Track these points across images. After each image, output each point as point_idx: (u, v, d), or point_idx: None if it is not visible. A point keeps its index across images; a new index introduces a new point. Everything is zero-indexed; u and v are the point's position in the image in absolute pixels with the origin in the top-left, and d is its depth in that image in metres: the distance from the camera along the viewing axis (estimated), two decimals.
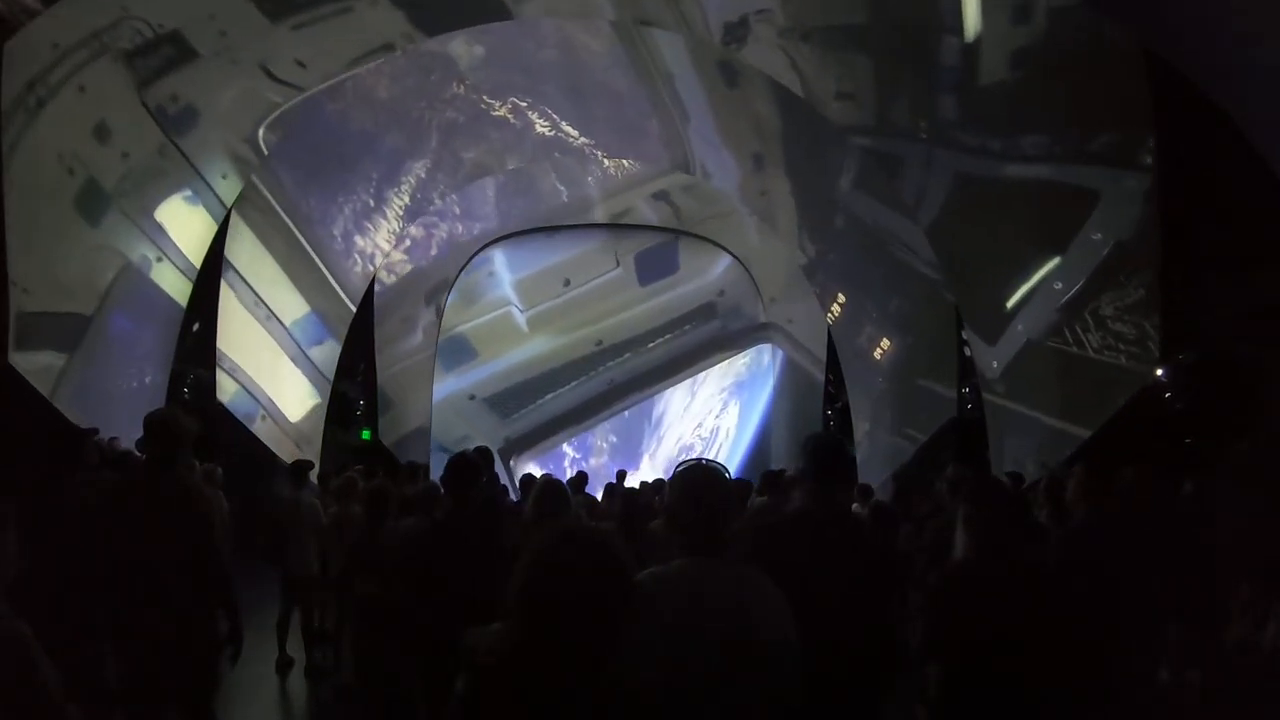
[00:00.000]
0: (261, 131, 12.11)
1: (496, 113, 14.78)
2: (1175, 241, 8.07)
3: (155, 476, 4.01)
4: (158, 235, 11.38)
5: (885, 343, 15.45)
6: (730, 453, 20.83)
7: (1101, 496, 4.41)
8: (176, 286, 12.05)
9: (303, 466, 8.27)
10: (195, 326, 12.37)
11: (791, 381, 20.13)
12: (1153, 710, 3.92)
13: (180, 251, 11.94)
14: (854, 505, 7.77)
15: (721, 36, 11.89)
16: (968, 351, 12.21)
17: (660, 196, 18.88)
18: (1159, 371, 8.48)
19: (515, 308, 20.11)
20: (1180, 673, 3.95)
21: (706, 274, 20.73)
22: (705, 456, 2.59)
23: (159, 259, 11.52)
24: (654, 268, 20.44)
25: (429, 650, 4.06)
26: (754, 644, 2.24)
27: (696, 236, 20.21)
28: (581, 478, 10.32)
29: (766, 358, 20.93)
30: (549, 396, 20.91)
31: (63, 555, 3.82)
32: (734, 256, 20.27)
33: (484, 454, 6.87)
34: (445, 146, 15.22)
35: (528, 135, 15.50)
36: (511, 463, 20.22)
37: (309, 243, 14.59)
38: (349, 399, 16.41)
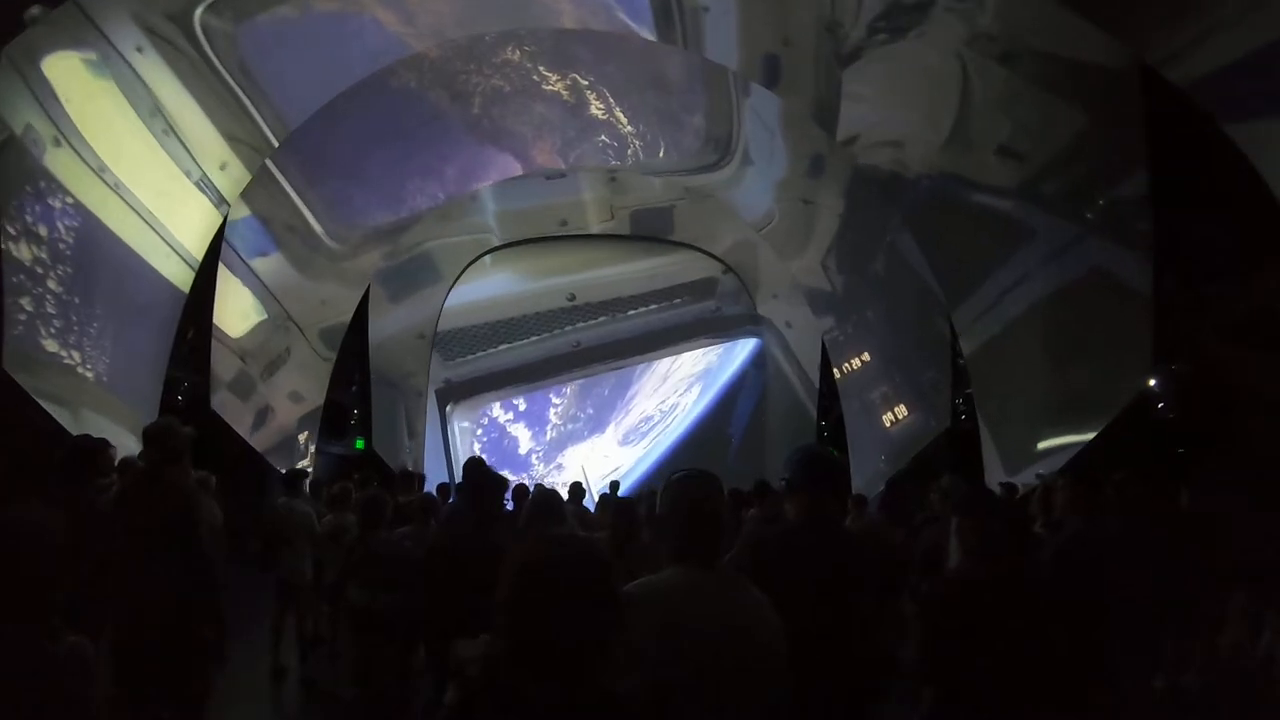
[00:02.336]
0: (199, 12, 9.83)
1: (550, 87, 13.66)
2: (1167, 250, 8.11)
3: (152, 483, 4.06)
4: (50, 104, 8.84)
5: (901, 411, 14.27)
6: (678, 427, 19.90)
7: (1093, 505, 4.43)
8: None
9: (297, 475, 8.32)
10: (190, 334, 12.26)
11: (774, 383, 19.15)
12: (1149, 716, 3.93)
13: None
14: (849, 516, 7.80)
15: (876, 17, 9.39)
16: (961, 361, 12.18)
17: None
18: (1152, 381, 8.51)
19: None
20: (1176, 679, 3.96)
21: (711, 244, 18.75)
22: (698, 469, 2.58)
23: (56, 142, 8.92)
24: (651, 228, 18.46)
25: (425, 657, 4.08)
26: (746, 653, 2.25)
27: (690, 247, 18.96)
28: (577, 489, 10.35)
29: (738, 349, 19.77)
30: (502, 347, 19.21)
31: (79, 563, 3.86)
32: (723, 263, 19.11)
33: (478, 463, 6.87)
34: (485, 116, 14.14)
35: (580, 114, 14.32)
36: (448, 408, 19.14)
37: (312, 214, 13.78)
38: (343, 408, 16.36)
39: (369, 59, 11.84)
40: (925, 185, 11.12)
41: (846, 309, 15.68)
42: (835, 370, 16.29)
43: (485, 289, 18.59)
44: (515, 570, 1.65)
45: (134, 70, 9.71)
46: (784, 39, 11.03)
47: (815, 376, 17.43)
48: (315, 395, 15.45)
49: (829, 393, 16.96)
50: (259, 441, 13.22)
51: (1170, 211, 7.99)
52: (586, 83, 13.58)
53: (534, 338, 19.29)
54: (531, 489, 8.75)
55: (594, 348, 19.68)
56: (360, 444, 16.78)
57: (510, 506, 8.11)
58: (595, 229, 18.38)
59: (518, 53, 12.87)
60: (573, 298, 19.19)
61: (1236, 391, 7.57)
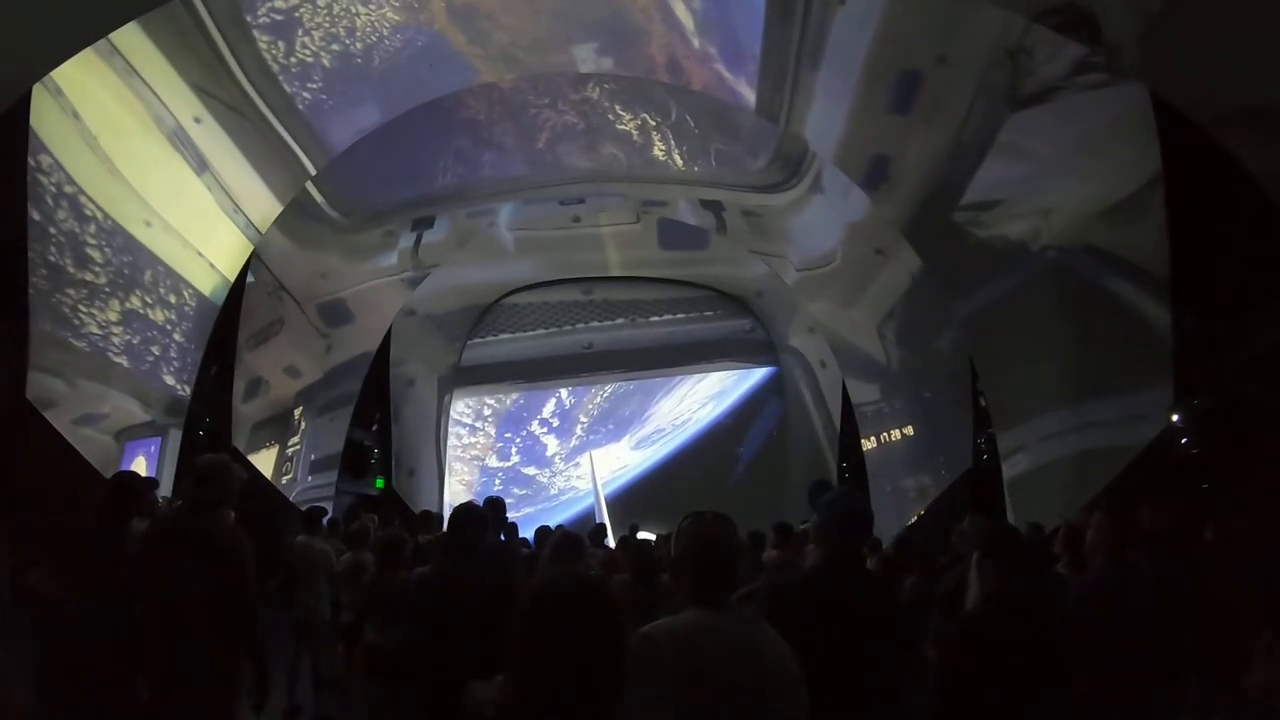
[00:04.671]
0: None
1: (623, 126, 13.10)
2: (1187, 285, 8.06)
3: (202, 521, 3.98)
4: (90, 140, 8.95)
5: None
6: (686, 435, 19.09)
7: (1118, 542, 4.37)
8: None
9: (315, 513, 8.34)
10: (213, 370, 12.19)
11: (794, 416, 18.28)
12: None
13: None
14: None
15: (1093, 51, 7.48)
16: (983, 401, 12.04)
17: (710, 206, 15.01)
18: (1174, 417, 8.42)
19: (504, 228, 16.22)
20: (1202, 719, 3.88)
21: (748, 266, 16.65)
22: (713, 510, 2.59)
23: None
24: (679, 238, 16.39)
25: (438, 700, 4.05)
26: (764, 694, 2.24)
27: (714, 289, 18.03)
28: (600, 530, 10.28)
29: (753, 376, 18.91)
30: (503, 336, 18.12)
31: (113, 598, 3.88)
32: (752, 314, 18.22)
33: (495, 504, 6.88)
34: (549, 151, 13.59)
35: (644, 154, 13.76)
36: (446, 399, 18.33)
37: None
38: (364, 447, 16.38)
39: (432, 84, 11.54)
40: (1050, 256, 9.32)
41: (899, 385, 14.35)
42: (866, 440, 15.28)
43: (491, 272, 17.05)
44: (524, 611, 1.65)
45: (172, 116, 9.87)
46: (939, 56, 8.95)
47: (839, 421, 16.63)
48: (313, 371, 14.84)
49: (852, 437, 16.16)
50: (251, 413, 12.88)
51: (1188, 247, 7.95)
52: (654, 123, 13.11)
53: (540, 331, 18.22)
54: (553, 527, 8.79)
55: (607, 353, 18.39)
56: (380, 483, 16.78)
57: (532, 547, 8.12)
58: (609, 230, 16.39)
59: (597, 90, 12.52)
60: (588, 291, 17.93)
61: (1261, 425, 7.48)
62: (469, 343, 18.28)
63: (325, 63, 10.61)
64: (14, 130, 8.14)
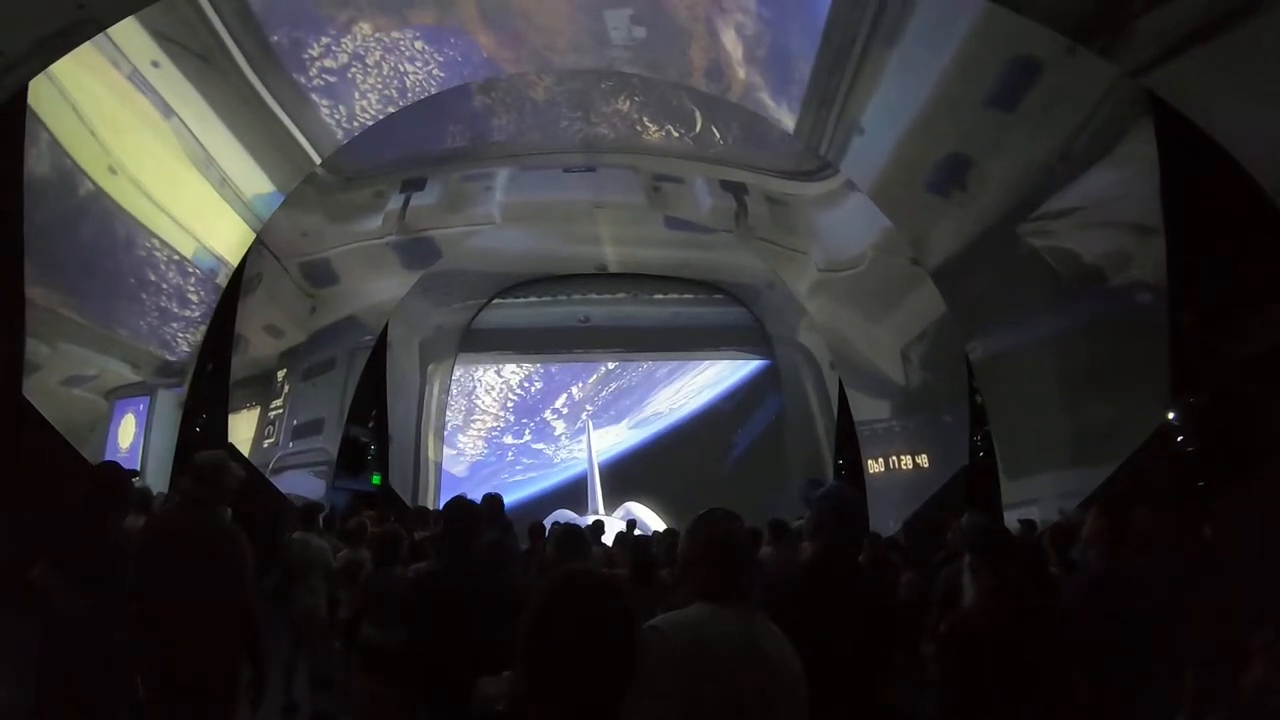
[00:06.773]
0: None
1: (648, 137, 12.94)
2: (1184, 283, 8.07)
3: (199, 519, 4.00)
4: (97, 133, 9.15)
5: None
6: (677, 418, 19.03)
7: (1114, 541, 4.39)
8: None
9: (312, 509, 8.33)
10: (209, 367, 12.15)
11: (794, 411, 17.87)
12: None
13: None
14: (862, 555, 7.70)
15: None
16: (979, 399, 12.02)
17: (731, 188, 13.71)
18: (1170, 415, 8.43)
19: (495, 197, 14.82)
20: (1199, 717, 3.90)
21: (760, 254, 15.36)
22: (721, 508, 2.61)
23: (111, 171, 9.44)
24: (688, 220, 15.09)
25: (441, 697, 4.05)
26: (771, 689, 2.26)
27: (718, 290, 17.67)
28: (598, 526, 10.28)
29: (752, 366, 18.71)
30: (495, 302, 17.60)
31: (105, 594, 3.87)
32: (760, 305, 17.67)
33: (494, 500, 6.87)
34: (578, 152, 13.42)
35: (664, 162, 13.58)
36: (430, 368, 17.96)
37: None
38: (360, 444, 16.37)
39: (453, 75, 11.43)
40: (1143, 300, 8.16)
41: (915, 411, 13.55)
42: (873, 462, 14.56)
43: (487, 239, 15.91)
44: (532, 605, 1.65)
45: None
46: (1068, 46, 7.52)
47: (833, 406, 16.33)
48: (296, 333, 14.35)
49: (848, 435, 15.81)
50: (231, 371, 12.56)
51: (1185, 243, 7.96)
52: (678, 135, 12.83)
53: (534, 298, 17.71)
54: (550, 525, 8.79)
55: (604, 329, 17.77)
56: (377, 480, 16.78)
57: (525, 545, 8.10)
58: (613, 204, 15.04)
59: (628, 103, 12.31)
60: (603, 267, 17.20)
61: (1258, 423, 7.50)
62: (454, 306, 17.73)
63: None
64: (10, 129, 8.14)
